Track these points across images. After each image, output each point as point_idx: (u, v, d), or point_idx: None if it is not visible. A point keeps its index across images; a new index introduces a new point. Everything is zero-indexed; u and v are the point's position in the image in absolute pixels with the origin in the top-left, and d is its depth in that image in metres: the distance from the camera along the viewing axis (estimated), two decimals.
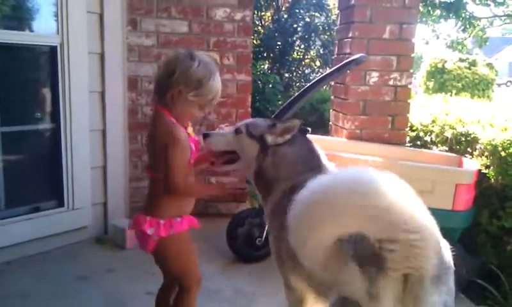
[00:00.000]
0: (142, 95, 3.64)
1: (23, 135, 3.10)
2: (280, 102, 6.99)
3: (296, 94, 3.28)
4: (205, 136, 1.97)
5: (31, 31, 3.19)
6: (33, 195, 3.06)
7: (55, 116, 3.10)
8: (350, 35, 3.51)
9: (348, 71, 3.29)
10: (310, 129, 2.00)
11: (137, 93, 3.63)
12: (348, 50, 3.54)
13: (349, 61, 2.99)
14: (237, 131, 1.94)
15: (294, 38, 8.39)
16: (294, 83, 8.52)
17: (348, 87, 3.54)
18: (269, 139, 1.87)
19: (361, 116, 3.54)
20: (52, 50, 3.02)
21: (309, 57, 8.89)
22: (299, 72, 8.84)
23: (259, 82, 6.73)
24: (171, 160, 1.77)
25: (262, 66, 7.66)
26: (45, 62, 3.13)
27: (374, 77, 3.52)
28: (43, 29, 3.17)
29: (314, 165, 1.84)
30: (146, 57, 3.61)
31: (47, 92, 3.16)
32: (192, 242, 1.97)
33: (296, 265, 1.57)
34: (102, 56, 3.26)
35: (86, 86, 3.16)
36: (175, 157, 1.77)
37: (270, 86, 7.01)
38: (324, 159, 1.91)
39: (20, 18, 3.16)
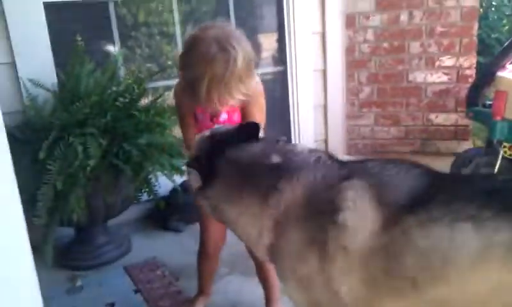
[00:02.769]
0: (359, 32, 3.63)
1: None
2: (506, 28, 6.14)
3: None
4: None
5: None
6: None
7: (283, 59, 3.36)
8: None
9: None
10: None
11: (354, 30, 3.63)
12: None
13: None
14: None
15: None
16: None
17: None
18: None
19: None
20: None
21: None
22: None
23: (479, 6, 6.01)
24: None
25: None
26: (272, 9, 3.37)
27: None
28: None
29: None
30: None
31: (274, 36, 3.43)
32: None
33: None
34: None
35: (309, 28, 3.33)
36: None
37: (493, 9, 6.20)
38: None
39: None
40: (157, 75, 2.77)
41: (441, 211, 1.00)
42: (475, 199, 1.00)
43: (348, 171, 1.17)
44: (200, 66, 1.51)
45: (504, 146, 3.07)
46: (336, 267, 1.11)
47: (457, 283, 0.99)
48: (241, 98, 1.60)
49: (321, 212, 1.13)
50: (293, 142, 3.44)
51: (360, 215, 1.08)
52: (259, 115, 1.77)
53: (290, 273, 1.22)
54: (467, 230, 0.96)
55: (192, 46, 1.56)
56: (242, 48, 1.54)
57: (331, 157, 1.26)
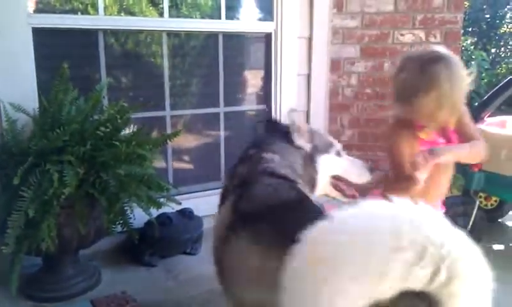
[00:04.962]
0: (343, 77, 3.71)
1: (239, 115, 3.46)
2: (484, 81, 6.36)
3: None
4: None
5: (250, 19, 3.47)
6: None
7: (267, 98, 3.38)
8: None
9: None
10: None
11: (338, 74, 3.70)
12: None
13: None
14: None
15: (506, 10, 7.48)
16: (501, 60, 7.62)
17: None
18: None
19: None
20: (267, 36, 3.29)
21: None
22: (509, 47, 7.86)
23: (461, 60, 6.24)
24: None
25: (466, 42, 7.04)
26: (260, 48, 3.42)
27: None
28: (260, 17, 3.44)
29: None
30: (349, 39, 3.65)
31: (260, 75, 3.47)
32: None
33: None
34: (309, 40, 3.42)
35: (295, 70, 3.37)
36: None
37: (473, 63, 6.43)
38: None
39: (243, 8, 3.49)
40: (142, 107, 2.75)
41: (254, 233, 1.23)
42: (287, 232, 1.03)
43: (249, 180, 1.44)
44: (427, 85, 1.63)
45: (480, 196, 3.12)
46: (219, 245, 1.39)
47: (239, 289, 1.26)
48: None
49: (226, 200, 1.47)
50: None
51: (224, 211, 1.41)
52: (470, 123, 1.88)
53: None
54: (255, 252, 1.18)
55: (413, 68, 1.68)
56: (458, 63, 1.69)
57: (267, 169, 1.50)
